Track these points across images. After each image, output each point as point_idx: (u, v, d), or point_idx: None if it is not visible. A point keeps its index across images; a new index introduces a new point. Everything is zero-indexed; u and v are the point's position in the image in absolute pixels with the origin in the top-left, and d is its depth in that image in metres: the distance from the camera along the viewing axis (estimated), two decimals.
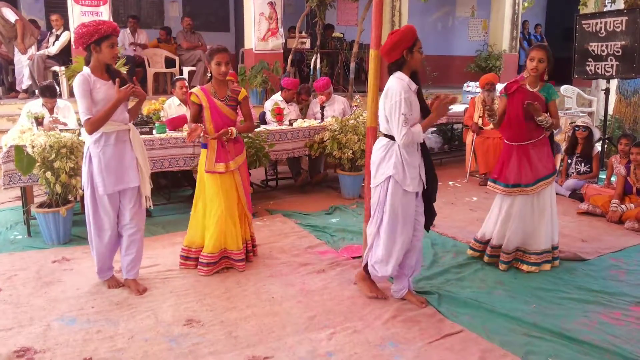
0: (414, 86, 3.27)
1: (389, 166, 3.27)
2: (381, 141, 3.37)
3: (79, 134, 4.85)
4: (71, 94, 7.75)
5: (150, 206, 3.74)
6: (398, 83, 3.22)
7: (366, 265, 3.58)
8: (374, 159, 3.40)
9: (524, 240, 4.04)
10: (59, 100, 5.74)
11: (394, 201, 3.30)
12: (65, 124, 5.37)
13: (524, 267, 4.04)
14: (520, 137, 3.97)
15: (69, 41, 7.87)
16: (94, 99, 3.36)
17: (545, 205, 4.00)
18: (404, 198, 3.30)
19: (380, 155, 3.34)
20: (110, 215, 3.56)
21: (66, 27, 7.94)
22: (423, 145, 3.38)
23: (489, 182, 4.23)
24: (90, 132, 3.39)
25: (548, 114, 3.93)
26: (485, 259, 4.18)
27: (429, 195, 3.43)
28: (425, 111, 3.33)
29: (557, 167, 4.21)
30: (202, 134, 3.83)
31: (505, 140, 4.10)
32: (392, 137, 3.29)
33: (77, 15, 7.61)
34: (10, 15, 7.67)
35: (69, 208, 4.59)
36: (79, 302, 3.49)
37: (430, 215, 3.50)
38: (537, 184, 3.94)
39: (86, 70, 3.39)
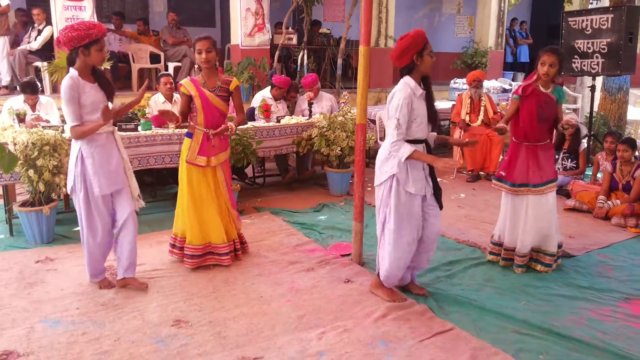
0: (419, 91, 3.24)
1: (392, 165, 3.25)
2: (386, 141, 3.33)
3: (62, 131, 4.76)
4: (54, 90, 7.61)
5: (137, 208, 3.66)
6: (403, 88, 3.20)
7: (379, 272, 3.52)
8: (378, 157, 3.38)
9: (539, 241, 3.97)
10: (41, 97, 5.62)
11: (397, 201, 3.27)
12: (47, 121, 5.26)
13: (539, 267, 4.00)
14: (531, 137, 3.91)
15: (52, 36, 7.72)
16: (82, 103, 3.29)
17: (554, 206, 3.97)
18: (407, 199, 3.27)
19: (384, 153, 3.31)
20: (104, 215, 3.50)
21: (48, 22, 7.77)
22: (429, 148, 3.35)
23: (493, 181, 4.16)
24: (78, 139, 3.35)
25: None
26: (501, 263, 4.08)
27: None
28: (432, 116, 3.30)
29: None
30: (190, 123, 3.86)
31: (513, 139, 4.03)
32: None
33: (60, 10, 7.44)
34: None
35: (53, 207, 4.49)
36: (64, 304, 3.41)
37: None
38: (546, 185, 3.89)
39: (73, 72, 3.30)
